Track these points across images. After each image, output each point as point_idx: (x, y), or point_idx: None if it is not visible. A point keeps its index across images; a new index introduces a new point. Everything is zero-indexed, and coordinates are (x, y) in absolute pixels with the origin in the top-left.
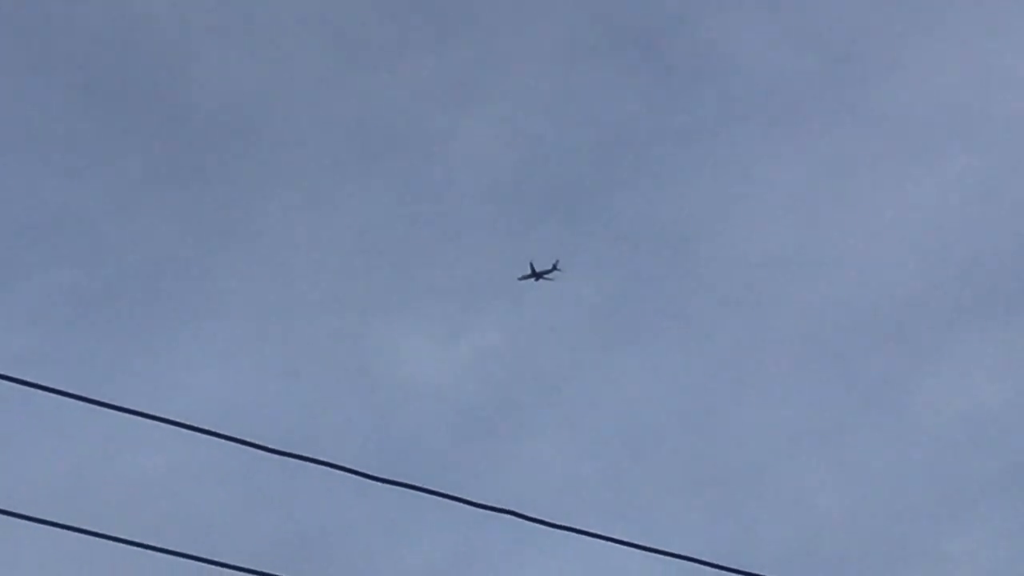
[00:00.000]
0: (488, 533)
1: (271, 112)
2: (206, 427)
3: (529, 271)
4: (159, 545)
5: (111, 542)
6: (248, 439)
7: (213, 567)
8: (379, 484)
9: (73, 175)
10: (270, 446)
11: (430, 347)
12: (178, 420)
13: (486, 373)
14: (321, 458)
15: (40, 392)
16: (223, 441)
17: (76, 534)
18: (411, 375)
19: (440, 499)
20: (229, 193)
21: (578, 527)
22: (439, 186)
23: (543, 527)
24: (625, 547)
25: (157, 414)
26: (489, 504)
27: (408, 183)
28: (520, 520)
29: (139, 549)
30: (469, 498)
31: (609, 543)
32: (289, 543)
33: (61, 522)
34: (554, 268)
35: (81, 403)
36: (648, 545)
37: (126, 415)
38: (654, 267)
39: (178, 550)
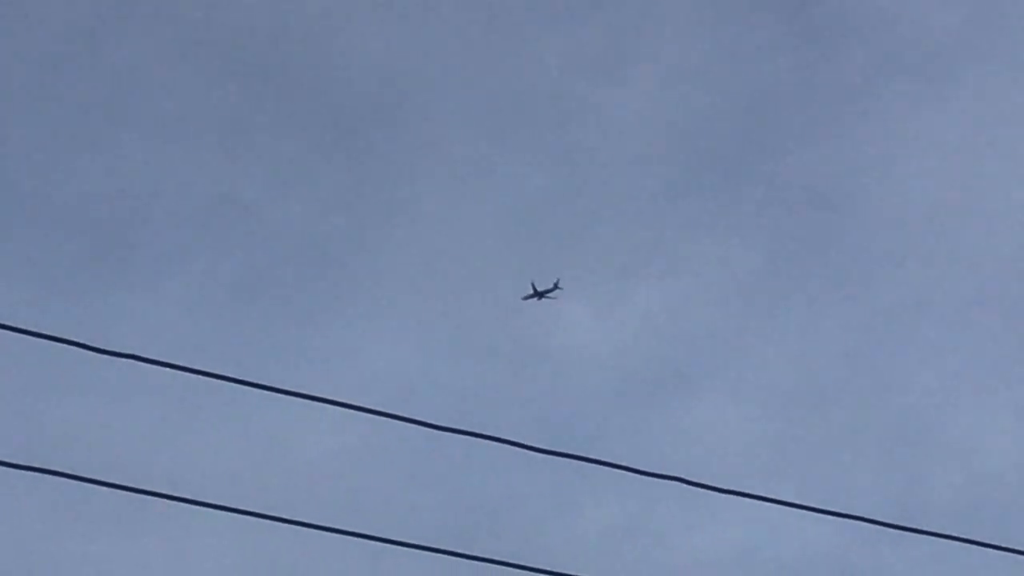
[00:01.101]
0: (656, 500)
1: (424, 86)
2: (375, 407)
3: (531, 291)
4: (338, 527)
5: (291, 526)
6: (417, 417)
7: (396, 547)
8: (546, 456)
9: (232, 159)
10: (439, 423)
11: (591, 316)
12: (348, 402)
13: (648, 339)
14: (489, 433)
15: (212, 380)
16: (394, 421)
17: (257, 519)
18: (573, 345)
19: (607, 468)
20: (386, 170)
21: (746, 491)
22: (593, 154)
23: (711, 492)
24: (793, 509)
25: (327, 396)
26: (656, 472)
27: (563, 152)
28: (687, 486)
29: (318, 532)
30: (636, 466)
31: (777, 506)
32: (462, 518)
33: (242, 508)
34: (555, 287)
35: (252, 389)
36: (816, 506)
37: (297, 399)
38: (813, 226)
39: (361, 532)
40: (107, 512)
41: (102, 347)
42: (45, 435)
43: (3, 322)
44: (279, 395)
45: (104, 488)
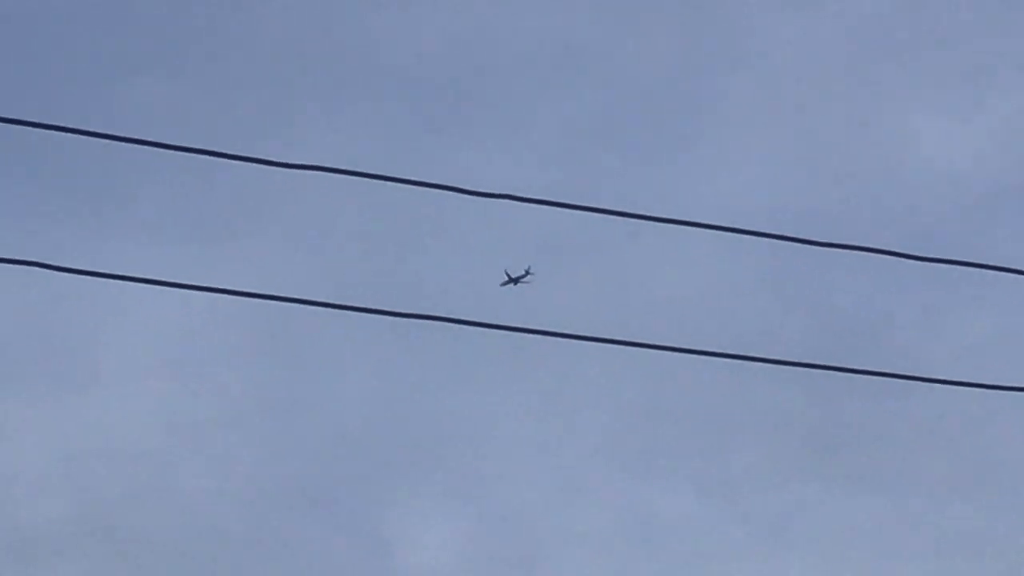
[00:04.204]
0: None
1: None
2: (746, 228)
3: (506, 278)
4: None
5: (661, 352)
6: (783, 233)
7: (768, 364)
8: (912, 267)
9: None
10: (809, 238)
11: (946, 126)
12: (713, 223)
13: (1006, 149)
14: (855, 243)
15: (584, 212)
16: (763, 240)
17: (625, 348)
18: (929, 157)
19: (987, 272)
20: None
21: None
22: None
23: None
24: None
25: (695, 220)
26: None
27: None
28: None
29: (691, 356)
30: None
31: None
32: (832, 335)
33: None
34: (527, 273)
35: (614, 217)
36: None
37: (666, 225)
38: None
39: (739, 353)
40: (480, 356)
41: (478, 189)
42: (414, 279)
43: (372, 171)
44: (649, 222)
45: (481, 328)
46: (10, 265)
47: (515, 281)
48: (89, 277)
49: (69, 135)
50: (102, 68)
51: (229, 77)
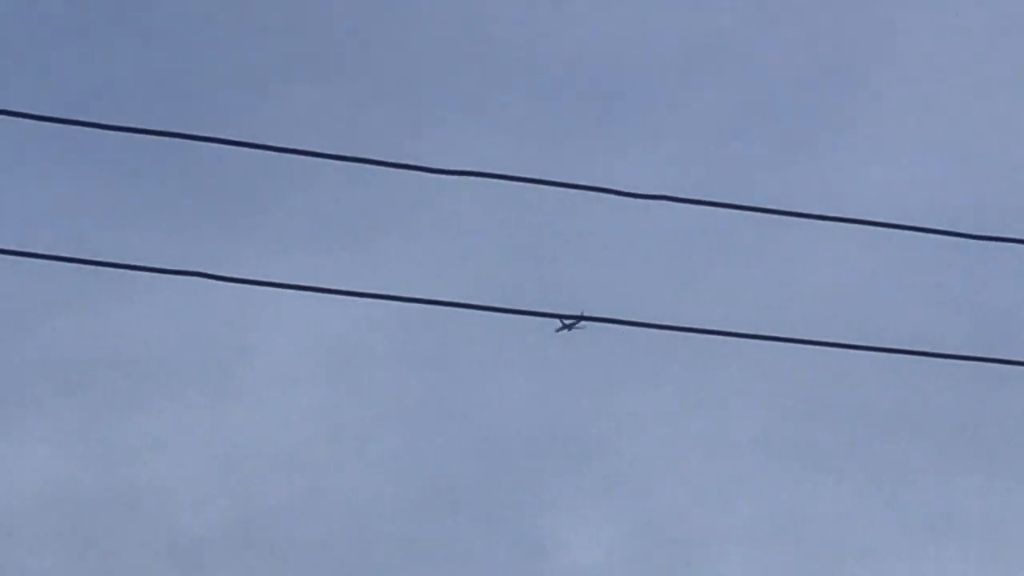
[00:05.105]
0: None
1: None
2: (903, 223)
3: (560, 325)
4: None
5: (817, 347)
6: (939, 228)
7: (925, 357)
8: None
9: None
10: (965, 231)
11: None
12: (863, 218)
13: None
14: (1012, 236)
15: (732, 211)
16: (918, 234)
17: (781, 345)
18: None
19: None
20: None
21: None
22: None
23: None
24: None
25: (839, 215)
26: None
27: None
28: None
29: (847, 351)
30: None
31: None
32: (992, 327)
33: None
34: (581, 318)
35: (768, 216)
36: None
37: (820, 221)
38: None
39: (890, 347)
40: (633, 355)
41: (631, 191)
42: (566, 281)
43: (505, 172)
44: (795, 218)
45: (634, 327)
46: (170, 276)
47: (569, 328)
48: (245, 285)
49: (217, 145)
50: (249, 75)
51: (376, 80)
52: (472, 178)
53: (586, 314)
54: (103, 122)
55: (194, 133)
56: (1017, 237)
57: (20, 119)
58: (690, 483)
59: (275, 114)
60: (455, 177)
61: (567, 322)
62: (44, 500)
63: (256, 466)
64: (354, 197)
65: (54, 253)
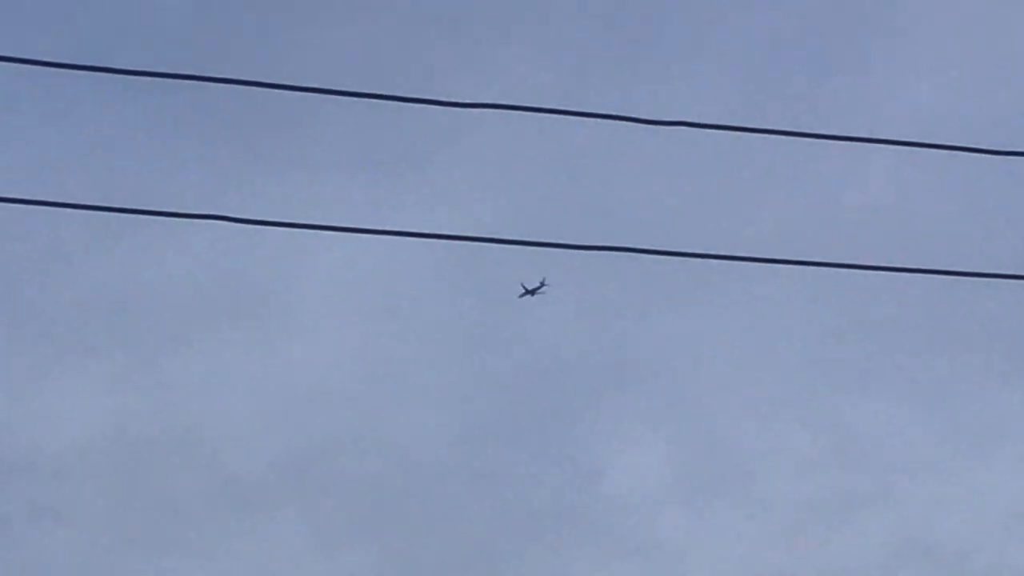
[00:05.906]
0: None
1: None
2: (926, 141)
3: (523, 290)
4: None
5: (854, 270)
6: (967, 145)
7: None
8: None
9: None
10: (994, 148)
11: None
12: (896, 139)
13: None
14: None
15: (766, 136)
16: (957, 153)
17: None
18: None
19: None
20: None
21: None
22: None
23: None
24: None
25: (874, 136)
26: None
27: None
28: None
29: (885, 273)
30: None
31: None
32: None
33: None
34: (542, 284)
35: (797, 139)
36: None
37: (843, 143)
38: None
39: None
40: (676, 283)
41: (652, 118)
42: (606, 210)
43: (546, 106)
44: (828, 141)
45: (660, 256)
46: (198, 219)
47: (532, 292)
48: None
49: (247, 87)
50: (276, 15)
51: (403, 16)
52: (502, 111)
53: (626, 245)
54: (165, 71)
55: (234, 77)
56: None
57: (65, 69)
58: (740, 405)
59: (308, 51)
60: (486, 111)
61: (530, 287)
62: (98, 440)
63: (306, 402)
64: (391, 132)
65: (85, 202)
